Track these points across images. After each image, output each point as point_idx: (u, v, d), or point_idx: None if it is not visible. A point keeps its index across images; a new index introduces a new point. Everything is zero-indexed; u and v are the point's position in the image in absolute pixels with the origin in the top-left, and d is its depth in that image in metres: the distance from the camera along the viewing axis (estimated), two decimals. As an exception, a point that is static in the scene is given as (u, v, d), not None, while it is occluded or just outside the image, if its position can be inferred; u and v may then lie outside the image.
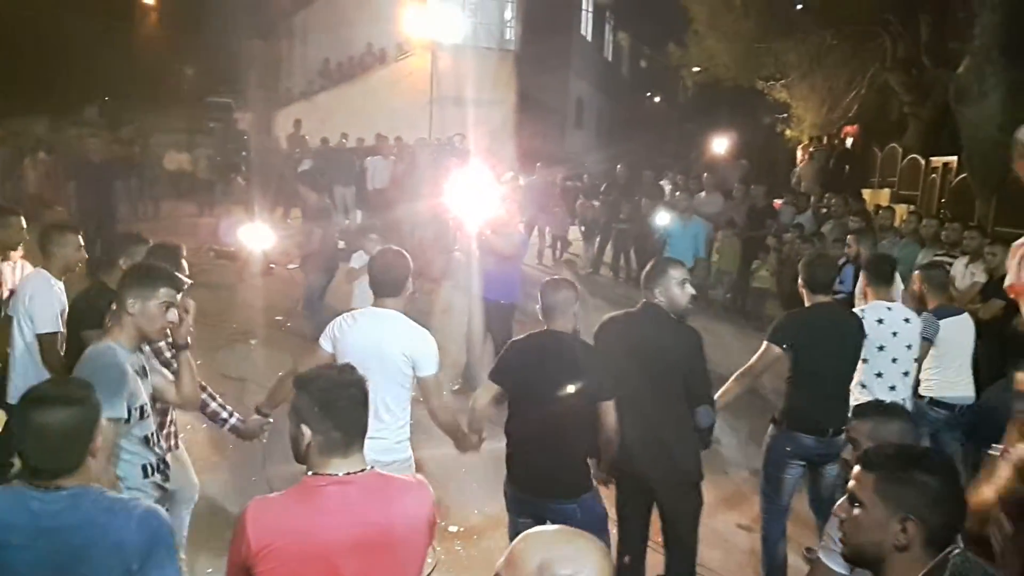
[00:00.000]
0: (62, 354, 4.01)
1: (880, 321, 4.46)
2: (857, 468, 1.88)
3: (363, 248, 6.94)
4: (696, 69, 20.12)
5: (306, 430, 2.11)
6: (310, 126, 17.49)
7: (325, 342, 3.58)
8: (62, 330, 4.05)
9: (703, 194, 11.88)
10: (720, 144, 20.63)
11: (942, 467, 1.85)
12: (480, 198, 6.73)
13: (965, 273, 6.86)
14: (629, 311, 3.85)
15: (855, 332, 4.31)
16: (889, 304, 4.61)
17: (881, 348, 4.45)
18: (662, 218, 10.46)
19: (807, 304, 4.33)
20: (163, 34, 24.90)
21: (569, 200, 14.25)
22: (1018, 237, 3.12)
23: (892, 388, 4.43)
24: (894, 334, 4.46)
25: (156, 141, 18.31)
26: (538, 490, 3.51)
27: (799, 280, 4.41)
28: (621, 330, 3.78)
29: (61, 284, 4.18)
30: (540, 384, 3.47)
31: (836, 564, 2.43)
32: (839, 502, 1.92)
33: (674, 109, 33.93)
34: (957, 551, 1.66)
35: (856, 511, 1.84)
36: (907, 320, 4.56)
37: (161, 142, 18.35)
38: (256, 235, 4.59)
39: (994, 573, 1.53)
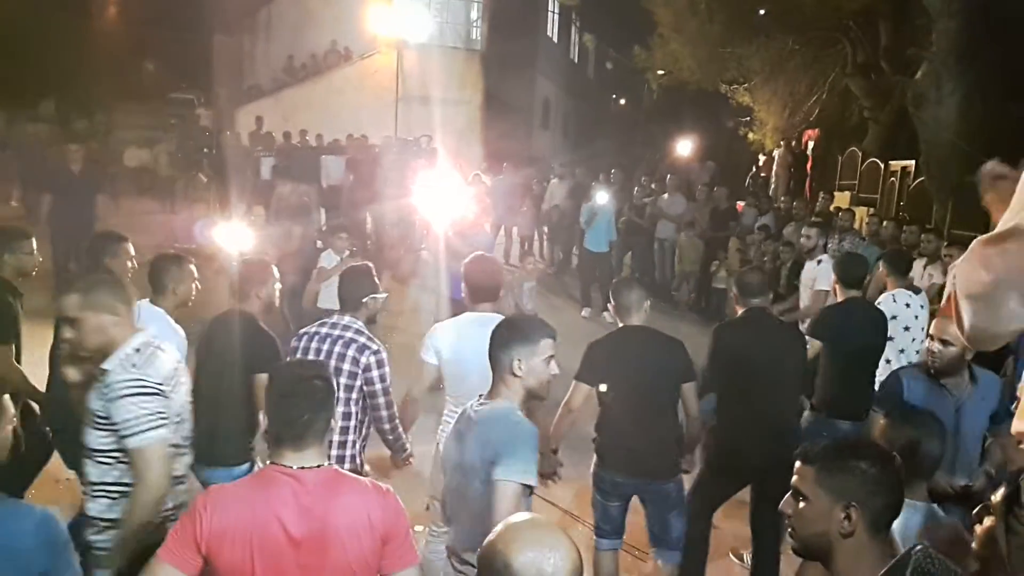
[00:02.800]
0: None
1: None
2: (798, 463, 1.94)
3: (332, 247, 6.87)
4: (661, 72, 20.29)
5: (264, 419, 2.16)
6: (273, 123, 17.28)
7: (428, 355, 3.62)
8: None
9: (666, 196, 11.98)
10: (684, 146, 20.83)
11: (877, 453, 1.93)
12: (446, 199, 6.73)
13: (923, 275, 7.01)
14: (742, 318, 4.28)
15: (881, 323, 4.80)
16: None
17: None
18: (592, 206, 10.65)
19: (839, 299, 4.81)
20: (123, 28, 24.42)
21: (537, 201, 14.26)
22: (974, 239, 3.26)
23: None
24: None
25: (116, 137, 17.96)
26: (640, 472, 3.78)
27: (833, 276, 4.99)
28: (740, 334, 4.22)
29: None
30: (631, 375, 3.72)
31: None
32: (784, 499, 1.97)
33: (639, 111, 34.19)
34: (919, 547, 1.69)
35: (801, 505, 1.90)
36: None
37: (121, 138, 18.01)
38: (232, 234, 4.49)
39: (957, 570, 1.56)
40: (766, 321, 4.30)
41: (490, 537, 1.62)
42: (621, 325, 3.89)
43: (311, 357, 3.54)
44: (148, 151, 17.36)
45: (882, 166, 14.22)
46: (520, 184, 14.14)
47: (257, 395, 3.52)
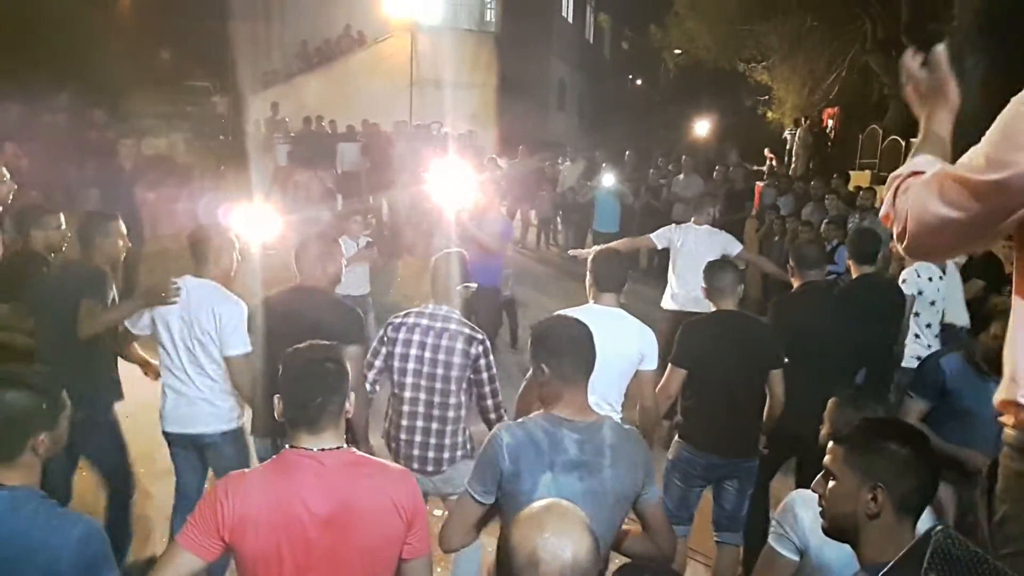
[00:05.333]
0: None
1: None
2: (830, 443, 1.93)
3: (347, 232, 6.84)
4: (677, 51, 20.11)
5: (278, 402, 2.17)
6: (288, 109, 17.31)
7: None
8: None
9: (681, 176, 11.87)
10: (702, 126, 20.66)
11: (909, 435, 1.90)
12: (459, 187, 6.65)
13: (944, 253, 6.93)
14: (801, 291, 4.28)
15: (897, 299, 4.81)
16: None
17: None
18: (591, 185, 10.79)
19: (854, 275, 4.77)
20: (138, 16, 24.49)
21: (553, 185, 14.21)
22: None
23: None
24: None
25: (132, 126, 18.04)
26: (732, 452, 3.84)
27: (847, 253, 4.97)
28: (800, 307, 4.23)
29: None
30: (724, 358, 3.76)
31: (784, 549, 2.46)
32: (816, 478, 1.95)
33: (656, 92, 33.94)
34: (940, 527, 1.66)
35: (830, 484, 1.88)
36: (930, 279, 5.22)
37: (138, 127, 18.09)
38: (254, 221, 4.45)
39: (979, 551, 1.53)
40: (825, 294, 4.32)
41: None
42: (715, 309, 3.91)
43: (415, 351, 3.55)
44: (165, 139, 17.46)
45: (903, 144, 14.03)
46: (536, 168, 14.09)
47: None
